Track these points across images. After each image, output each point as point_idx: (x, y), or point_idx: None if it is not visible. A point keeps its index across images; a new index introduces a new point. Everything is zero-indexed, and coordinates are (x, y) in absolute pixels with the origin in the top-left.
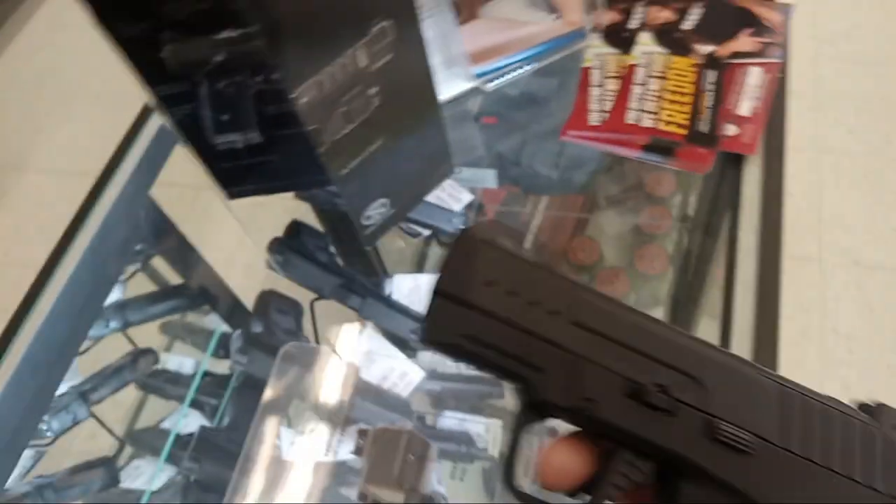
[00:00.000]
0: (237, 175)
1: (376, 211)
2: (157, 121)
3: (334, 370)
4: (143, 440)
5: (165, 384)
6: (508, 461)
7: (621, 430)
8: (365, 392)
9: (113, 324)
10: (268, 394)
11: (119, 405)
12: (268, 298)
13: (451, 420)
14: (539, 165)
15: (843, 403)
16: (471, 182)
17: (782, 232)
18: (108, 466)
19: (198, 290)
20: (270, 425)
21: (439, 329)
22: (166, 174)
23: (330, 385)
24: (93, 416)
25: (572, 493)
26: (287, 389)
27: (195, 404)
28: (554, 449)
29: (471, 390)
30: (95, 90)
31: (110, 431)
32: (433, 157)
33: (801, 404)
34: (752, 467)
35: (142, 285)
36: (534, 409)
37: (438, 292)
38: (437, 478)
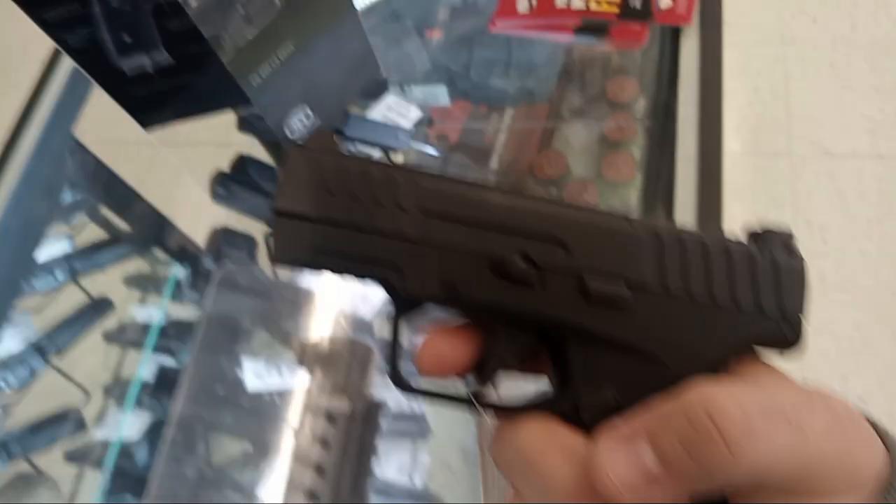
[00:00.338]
0: (153, 102)
1: (299, 121)
2: (69, 63)
3: (288, 295)
4: (115, 392)
5: (133, 336)
6: (390, 355)
7: (492, 307)
8: (324, 317)
9: (59, 275)
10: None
11: (90, 360)
12: (219, 234)
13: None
14: (490, 76)
15: (724, 237)
16: (421, 100)
17: (722, 102)
18: (73, 417)
19: (146, 235)
20: (229, 357)
21: (287, 248)
22: (110, 132)
23: (285, 311)
24: (54, 368)
25: (462, 376)
26: (242, 318)
27: (160, 350)
28: (427, 339)
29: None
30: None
31: (72, 380)
32: (354, 60)
33: (676, 245)
34: (633, 317)
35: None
36: (404, 305)
37: (278, 211)
38: (387, 382)
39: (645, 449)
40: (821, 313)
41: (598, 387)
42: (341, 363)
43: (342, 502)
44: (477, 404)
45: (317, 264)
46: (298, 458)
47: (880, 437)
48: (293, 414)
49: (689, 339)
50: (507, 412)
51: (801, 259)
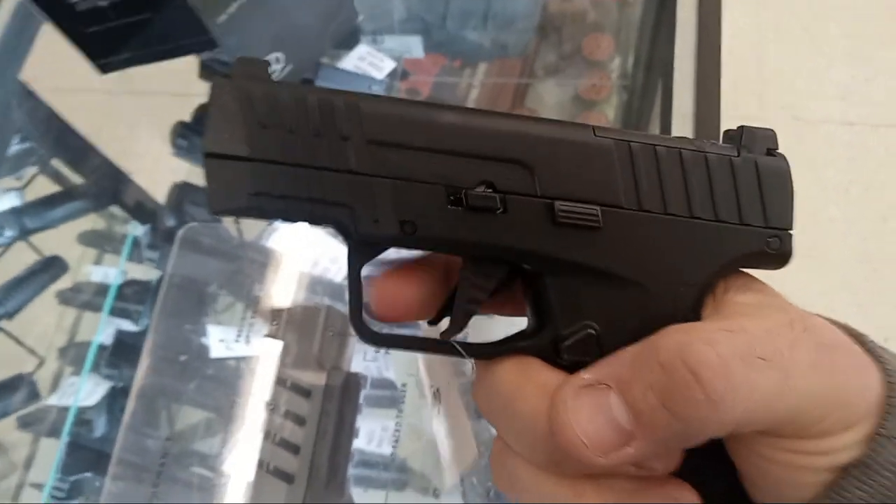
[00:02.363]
0: (108, 42)
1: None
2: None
3: (256, 256)
4: (71, 356)
5: (90, 297)
6: (352, 304)
7: (455, 242)
8: (294, 280)
9: (8, 232)
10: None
11: (43, 323)
12: (180, 190)
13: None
14: (467, 29)
15: (701, 141)
16: (394, 51)
17: (721, 56)
18: (25, 385)
19: (102, 190)
20: (193, 322)
21: (223, 195)
22: (62, 79)
23: (252, 273)
24: (4, 332)
25: (432, 321)
26: (206, 280)
27: (118, 313)
28: (378, 281)
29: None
30: None
31: (23, 345)
32: (331, 3)
33: (648, 155)
34: (607, 240)
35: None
36: (360, 248)
37: (209, 154)
38: (364, 353)
39: (614, 400)
40: (786, 280)
41: (576, 320)
42: (314, 331)
43: (318, 483)
44: (455, 348)
45: (258, 210)
46: (269, 435)
47: (873, 356)
48: (262, 386)
49: (669, 260)
50: (484, 354)
51: (784, 159)
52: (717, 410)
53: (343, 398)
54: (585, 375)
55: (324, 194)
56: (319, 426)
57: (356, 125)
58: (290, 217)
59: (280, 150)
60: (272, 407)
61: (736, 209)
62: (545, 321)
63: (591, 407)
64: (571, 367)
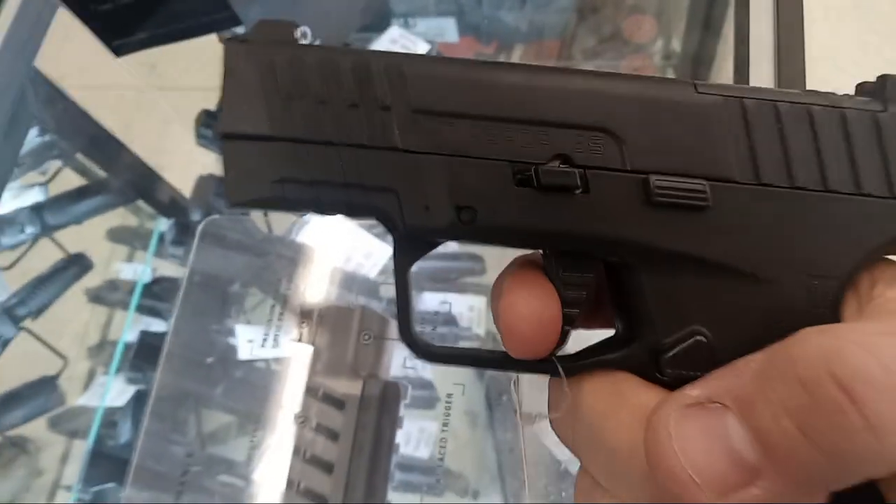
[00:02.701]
0: (122, 21)
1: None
2: None
3: (285, 251)
4: (100, 356)
5: (123, 295)
6: (401, 311)
7: (524, 232)
8: (322, 276)
9: (29, 229)
10: (190, 280)
11: (76, 321)
12: (206, 182)
13: (430, 301)
14: (503, 10)
15: (834, 94)
16: (427, 34)
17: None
18: (49, 386)
19: (128, 184)
20: (218, 321)
21: (242, 183)
22: (95, 77)
23: (281, 269)
24: (27, 331)
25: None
26: (231, 277)
27: (147, 311)
28: (508, 296)
29: (449, 268)
30: None
31: (50, 347)
32: None
33: (765, 115)
34: (717, 223)
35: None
36: (409, 243)
37: (225, 134)
38: (403, 359)
39: (733, 424)
40: None
41: (681, 325)
42: (348, 335)
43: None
44: (525, 363)
45: (284, 200)
46: (300, 451)
47: None
48: (292, 397)
49: (799, 247)
50: (565, 370)
51: None
52: (880, 442)
53: (381, 410)
54: (693, 392)
55: (362, 178)
56: (355, 442)
57: (400, 92)
58: (323, 207)
59: (309, 126)
60: (302, 420)
61: (884, 179)
62: (640, 327)
63: (703, 432)
64: (675, 385)
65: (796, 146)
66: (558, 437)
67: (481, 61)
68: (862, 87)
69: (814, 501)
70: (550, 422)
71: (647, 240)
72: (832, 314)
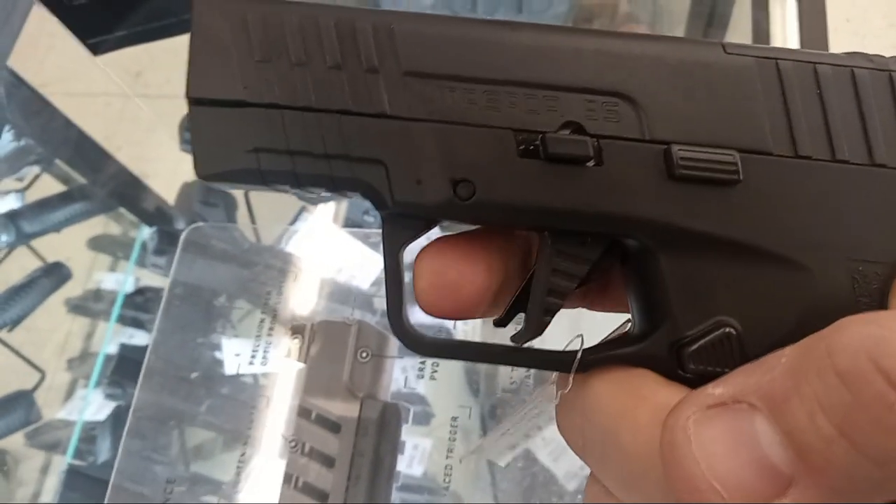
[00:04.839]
0: (98, 18)
1: None
2: None
3: (271, 260)
4: (82, 368)
5: (106, 306)
6: (390, 298)
7: (528, 209)
8: (312, 288)
9: (4, 237)
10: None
11: (57, 332)
12: (190, 190)
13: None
14: (498, 16)
15: (876, 57)
16: None
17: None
18: (26, 400)
19: (108, 191)
20: (204, 334)
21: (214, 154)
22: (77, 85)
23: (267, 280)
24: (2, 343)
25: (500, 321)
26: (217, 288)
27: (129, 322)
28: (429, 255)
29: None
30: None
31: (26, 360)
32: None
33: (804, 79)
34: (748, 199)
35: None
36: (399, 223)
37: (194, 99)
38: (406, 378)
39: (763, 425)
40: None
41: (706, 315)
42: (344, 352)
43: None
44: (531, 357)
45: (259, 173)
46: (291, 479)
47: None
48: (282, 416)
49: (841, 227)
50: (574, 364)
51: None
52: None
53: (380, 434)
54: (716, 390)
55: (346, 148)
56: (351, 469)
57: (389, 53)
58: (303, 181)
59: (286, 90)
60: (294, 444)
61: None
62: (659, 318)
63: (727, 435)
64: (699, 383)
65: (838, 114)
66: (566, 440)
67: (480, 20)
68: None
69: None
70: (558, 424)
71: (668, 219)
72: (879, 304)
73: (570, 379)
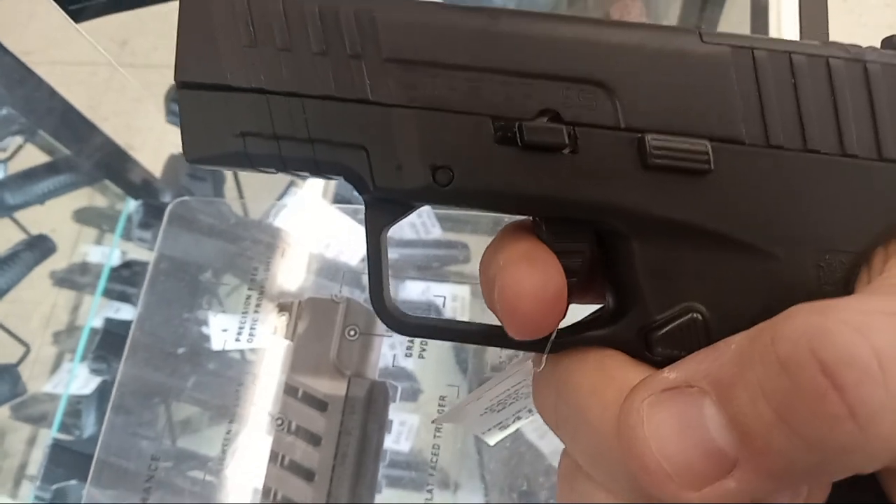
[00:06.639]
0: None
1: None
2: None
3: (258, 234)
4: (68, 342)
5: (92, 279)
6: (373, 280)
7: (505, 196)
8: (300, 263)
9: None
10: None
11: (42, 305)
12: (177, 162)
13: (412, 289)
14: None
15: (852, 46)
16: None
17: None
18: (10, 374)
19: (92, 162)
20: (190, 309)
21: (201, 137)
22: (62, 53)
23: (255, 255)
24: None
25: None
26: (203, 262)
27: (115, 296)
28: (508, 274)
29: (432, 255)
30: None
31: (9, 332)
32: None
33: (778, 68)
34: (719, 188)
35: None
36: (380, 206)
37: (182, 84)
38: (394, 356)
39: (710, 410)
40: None
41: (674, 301)
42: (331, 330)
43: None
44: (507, 337)
45: (246, 156)
46: (277, 458)
47: None
48: (269, 392)
49: (811, 217)
50: (548, 345)
51: None
52: (864, 433)
53: (367, 412)
54: (671, 374)
55: (329, 133)
56: (338, 447)
57: (370, 39)
58: (288, 165)
59: (271, 75)
60: (280, 422)
61: None
62: (631, 302)
63: (676, 419)
64: (666, 366)
65: (812, 104)
66: (542, 417)
67: (461, 7)
68: (889, 41)
69: (798, 501)
70: (534, 401)
71: (641, 206)
72: (843, 292)
73: (544, 359)
